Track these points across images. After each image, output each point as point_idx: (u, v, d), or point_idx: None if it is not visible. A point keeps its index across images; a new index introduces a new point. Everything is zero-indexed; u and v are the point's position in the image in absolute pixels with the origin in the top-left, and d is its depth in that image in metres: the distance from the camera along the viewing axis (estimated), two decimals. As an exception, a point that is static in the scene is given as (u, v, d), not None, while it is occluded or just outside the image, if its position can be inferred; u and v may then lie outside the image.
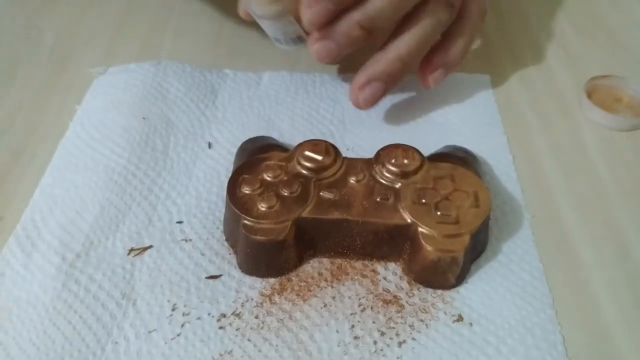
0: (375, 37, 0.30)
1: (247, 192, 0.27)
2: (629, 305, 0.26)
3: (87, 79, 0.37)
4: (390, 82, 0.32)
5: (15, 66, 0.39)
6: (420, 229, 0.26)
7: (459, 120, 0.34)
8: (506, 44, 0.40)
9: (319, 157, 0.28)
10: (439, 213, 0.26)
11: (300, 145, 0.29)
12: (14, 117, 0.35)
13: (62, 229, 0.28)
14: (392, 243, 0.27)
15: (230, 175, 0.28)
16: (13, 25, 0.42)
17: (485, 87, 0.36)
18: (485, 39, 0.40)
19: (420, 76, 0.33)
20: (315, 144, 0.29)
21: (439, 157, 0.29)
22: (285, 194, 0.27)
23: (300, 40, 0.31)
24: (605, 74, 0.36)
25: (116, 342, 0.25)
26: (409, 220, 0.26)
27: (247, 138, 0.32)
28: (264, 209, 0.26)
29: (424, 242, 0.26)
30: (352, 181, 0.28)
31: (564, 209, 0.30)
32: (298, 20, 0.29)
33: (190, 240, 0.28)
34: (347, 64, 0.38)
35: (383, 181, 0.28)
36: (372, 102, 0.32)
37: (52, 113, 0.35)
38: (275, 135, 0.33)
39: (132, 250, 0.28)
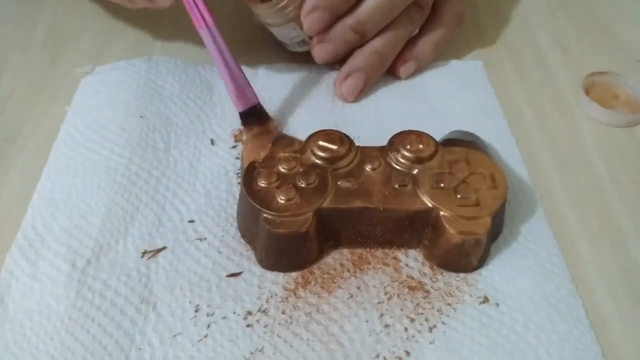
0: (367, 40, 0.34)
1: (263, 185, 0.26)
2: (625, 297, 0.26)
3: (77, 75, 0.35)
4: (370, 74, 0.34)
5: (5, 59, 0.37)
6: (442, 213, 0.26)
7: (459, 106, 0.35)
8: (504, 40, 0.40)
9: (334, 147, 0.28)
10: (458, 196, 0.26)
11: (312, 135, 0.28)
12: (4, 107, 0.34)
13: (68, 235, 0.27)
14: (413, 229, 0.27)
15: (239, 170, 0.27)
16: (4, 17, 0.40)
17: (480, 72, 0.37)
18: (482, 35, 0.40)
19: (393, 67, 0.36)
20: (328, 134, 0.28)
21: (449, 142, 0.29)
22: (303, 185, 0.26)
23: (304, 43, 0.35)
24: (603, 71, 0.36)
25: (140, 349, 0.24)
26: (430, 205, 0.26)
27: (249, 132, 0.31)
28: (283, 201, 0.26)
29: (447, 226, 0.26)
30: (368, 169, 0.27)
31: (560, 204, 0.30)
32: (301, 27, 0.33)
33: (205, 239, 0.27)
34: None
35: (399, 168, 0.28)
36: (354, 92, 0.34)
37: (41, 108, 0.34)
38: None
39: (145, 252, 0.27)
